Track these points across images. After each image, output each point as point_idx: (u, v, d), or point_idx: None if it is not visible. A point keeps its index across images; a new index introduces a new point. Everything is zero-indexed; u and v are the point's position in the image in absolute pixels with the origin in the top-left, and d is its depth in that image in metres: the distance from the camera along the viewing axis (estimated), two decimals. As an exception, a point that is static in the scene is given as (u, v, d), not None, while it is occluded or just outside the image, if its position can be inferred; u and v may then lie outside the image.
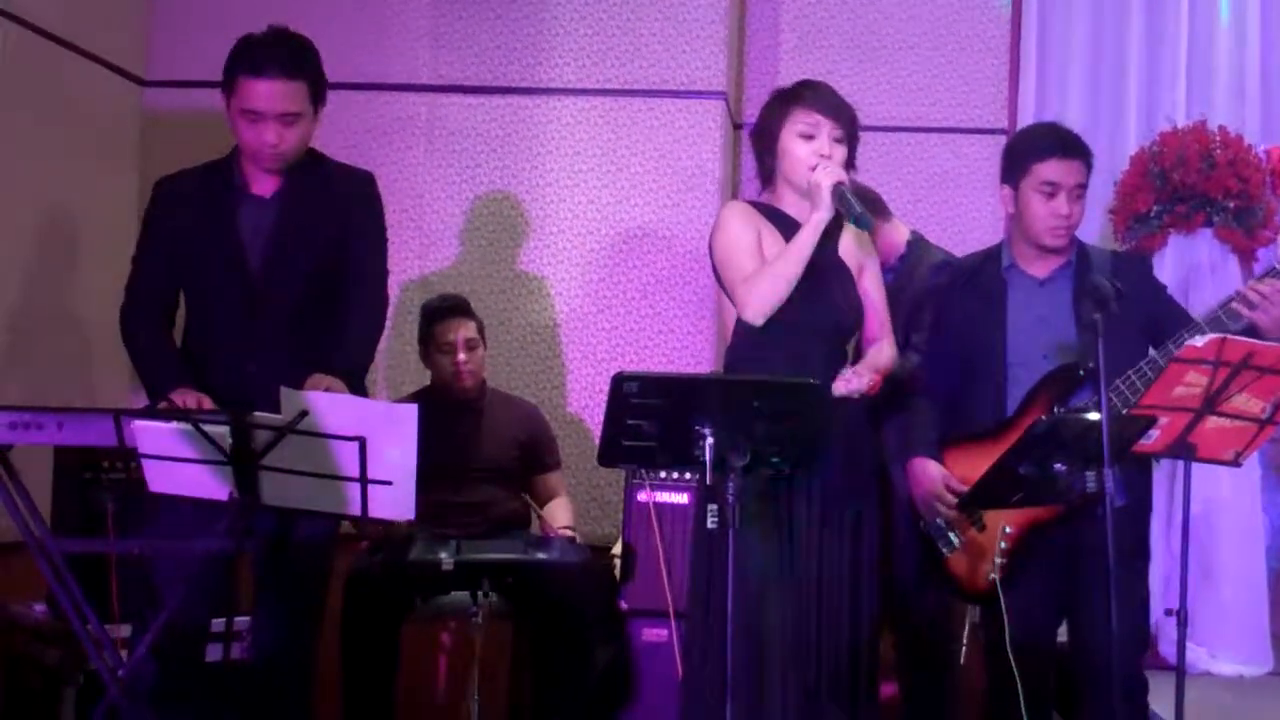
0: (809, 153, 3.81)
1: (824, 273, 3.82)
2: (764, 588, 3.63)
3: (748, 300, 3.73)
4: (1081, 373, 3.85)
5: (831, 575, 3.71)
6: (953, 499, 3.91)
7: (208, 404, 3.71)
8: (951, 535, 3.99)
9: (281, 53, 3.85)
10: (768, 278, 3.72)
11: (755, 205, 3.95)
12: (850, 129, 3.87)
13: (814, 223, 3.72)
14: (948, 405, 4.06)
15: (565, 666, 4.74)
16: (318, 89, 3.93)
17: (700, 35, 5.94)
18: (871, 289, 3.95)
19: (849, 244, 3.94)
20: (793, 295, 3.70)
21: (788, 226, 3.84)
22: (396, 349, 5.74)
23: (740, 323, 3.81)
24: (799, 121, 3.83)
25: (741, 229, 3.85)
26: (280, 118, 3.84)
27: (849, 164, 3.86)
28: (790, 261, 3.72)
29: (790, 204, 3.89)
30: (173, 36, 5.94)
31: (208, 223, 3.93)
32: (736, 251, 3.83)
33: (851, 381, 3.69)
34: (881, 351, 3.91)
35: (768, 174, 3.94)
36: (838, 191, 3.71)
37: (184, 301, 4.03)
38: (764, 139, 3.91)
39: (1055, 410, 3.83)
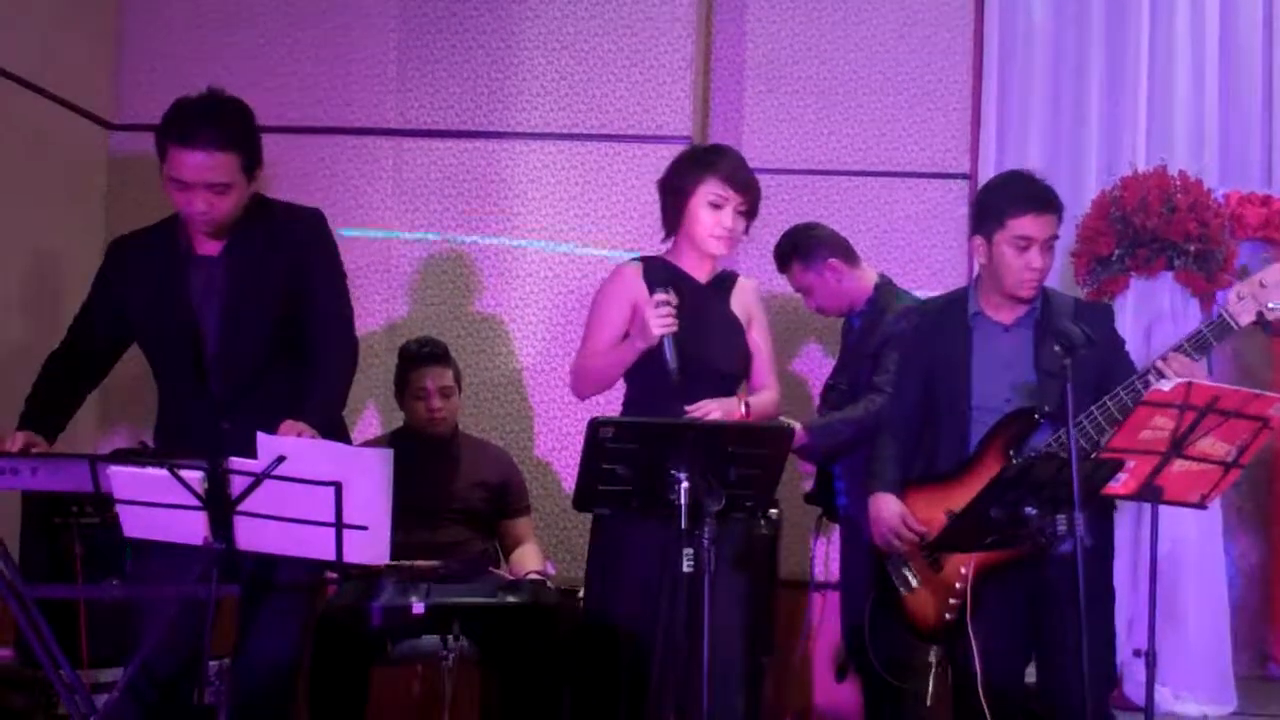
0: (714, 223, 4.05)
1: (714, 325, 4.10)
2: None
3: (581, 382, 4.16)
4: (1037, 416, 3.90)
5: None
6: (911, 536, 3.95)
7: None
8: (909, 575, 4.02)
9: (211, 123, 3.73)
10: (594, 374, 4.12)
11: (653, 263, 4.14)
12: (754, 205, 4.11)
13: (635, 347, 3.97)
14: (912, 446, 4.10)
15: (534, 710, 4.73)
16: (250, 157, 3.81)
17: (666, 80, 5.98)
18: (759, 340, 4.23)
19: (742, 297, 4.21)
20: (687, 345, 3.93)
21: (682, 281, 4.06)
22: (359, 394, 5.70)
23: (635, 370, 4.05)
24: (710, 191, 4.05)
25: (614, 302, 4.10)
26: (209, 187, 3.74)
27: (747, 226, 4.13)
28: (614, 367, 4.08)
29: (688, 259, 4.14)
30: (141, 80, 5.94)
31: (158, 290, 3.87)
32: (599, 325, 4.12)
33: (703, 407, 3.94)
34: (759, 397, 4.17)
35: (671, 226, 4.15)
36: (663, 340, 3.91)
37: (151, 368, 3.98)
38: (673, 195, 4.12)
39: (1010, 453, 3.88)
